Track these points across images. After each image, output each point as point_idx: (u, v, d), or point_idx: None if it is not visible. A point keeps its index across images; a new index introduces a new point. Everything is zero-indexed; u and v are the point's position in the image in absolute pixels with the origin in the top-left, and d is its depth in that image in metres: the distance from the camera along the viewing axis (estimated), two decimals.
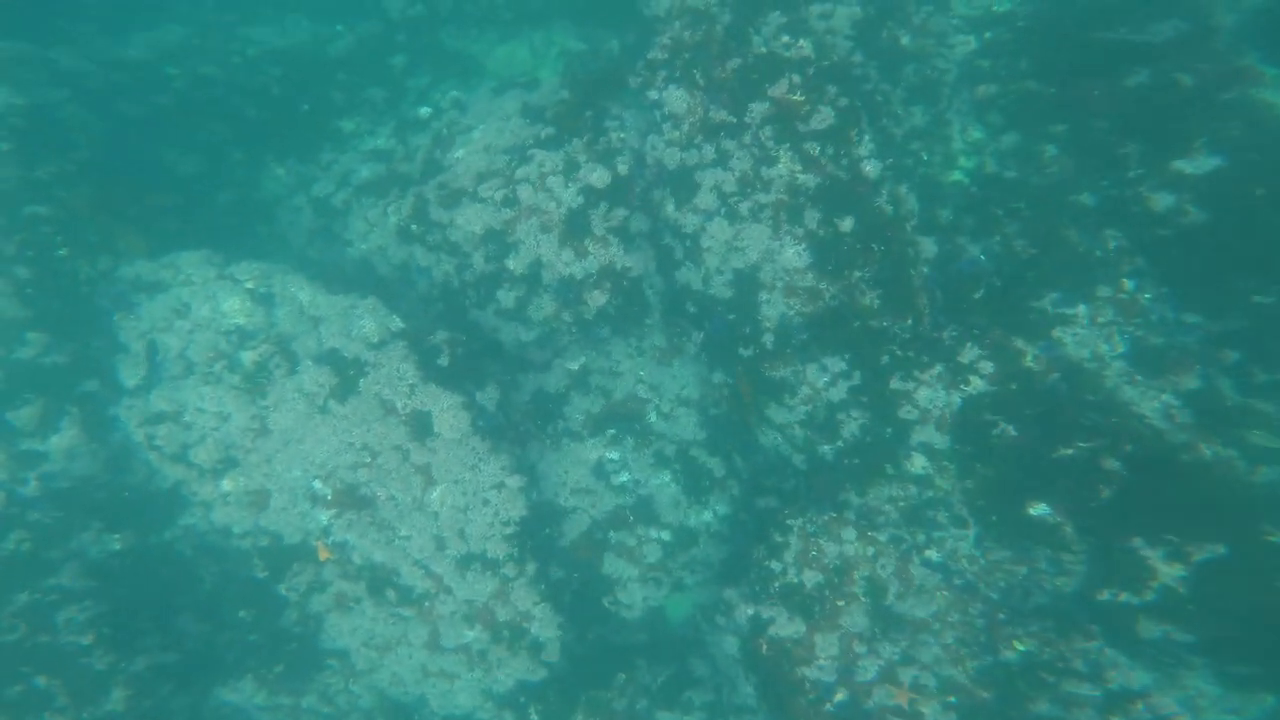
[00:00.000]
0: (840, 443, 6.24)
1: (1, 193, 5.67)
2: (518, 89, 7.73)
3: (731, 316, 6.41)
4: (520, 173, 6.34)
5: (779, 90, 6.06)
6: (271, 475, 5.06)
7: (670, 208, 6.46)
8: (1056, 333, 5.67)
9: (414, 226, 6.47)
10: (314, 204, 7.43)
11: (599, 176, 6.19)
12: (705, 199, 6.26)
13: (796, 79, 6.10)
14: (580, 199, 6.18)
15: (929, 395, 5.91)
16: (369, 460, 5.23)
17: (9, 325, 4.93)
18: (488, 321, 6.73)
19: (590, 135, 6.78)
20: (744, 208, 6.19)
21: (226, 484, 4.99)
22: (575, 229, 6.30)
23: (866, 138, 6.09)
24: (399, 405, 5.37)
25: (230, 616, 4.96)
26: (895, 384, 6.00)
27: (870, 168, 5.92)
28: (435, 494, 5.29)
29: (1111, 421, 5.09)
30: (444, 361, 5.78)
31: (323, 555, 5.00)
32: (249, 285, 5.79)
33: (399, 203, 6.44)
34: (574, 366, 6.98)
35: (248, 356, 5.33)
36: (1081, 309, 5.63)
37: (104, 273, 5.73)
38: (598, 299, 6.36)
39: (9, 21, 7.86)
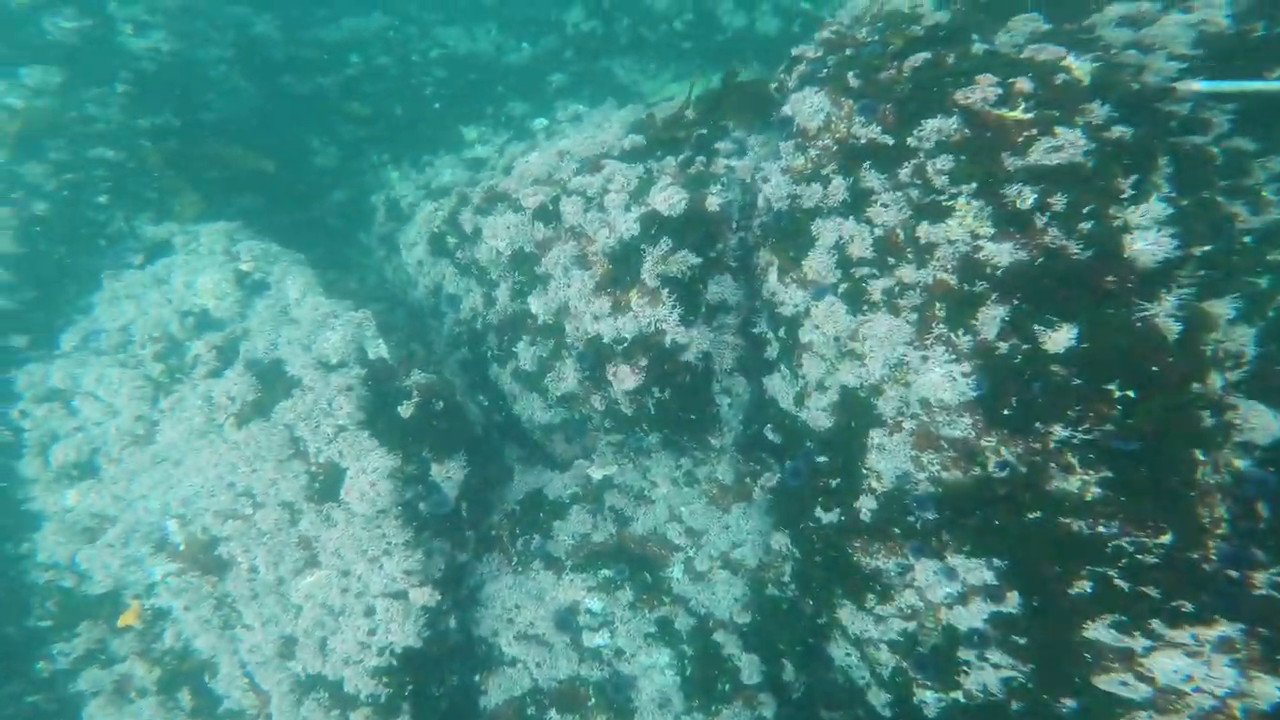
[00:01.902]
0: (960, 696, 3.48)
1: (86, 131, 5.60)
2: (643, 104, 6.23)
3: (822, 459, 4.01)
4: (575, 183, 4.72)
5: (978, 96, 3.66)
6: (124, 499, 3.96)
7: (773, 276, 4.31)
8: None
9: (449, 237, 5.18)
10: (388, 205, 6.65)
11: (670, 202, 4.30)
12: (818, 264, 4.02)
13: (1025, 85, 3.65)
14: (637, 227, 4.33)
15: (1173, 667, 3.00)
16: (246, 511, 3.85)
17: None
18: (505, 385, 5.14)
19: (690, 154, 4.94)
20: (876, 287, 3.84)
21: (72, 497, 4.00)
22: (620, 269, 4.46)
23: (1154, 198, 3.40)
24: (311, 450, 3.95)
25: None
26: (1097, 633, 3.16)
27: (1148, 250, 3.23)
28: (307, 581, 3.73)
29: None
30: (405, 411, 4.26)
31: (129, 619, 3.72)
32: (243, 268, 4.93)
33: (444, 205, 5.23)
34: (598, 475, 5.04)
35: (194, 346, 4.36)
36: None
37: (134, 229, 5.34)
38: (626, 379, 4.39)
39: None
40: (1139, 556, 3.13)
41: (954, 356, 3.51)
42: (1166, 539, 3.08)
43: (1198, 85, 3.34)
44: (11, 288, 4.55)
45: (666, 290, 4.34)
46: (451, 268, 5.23)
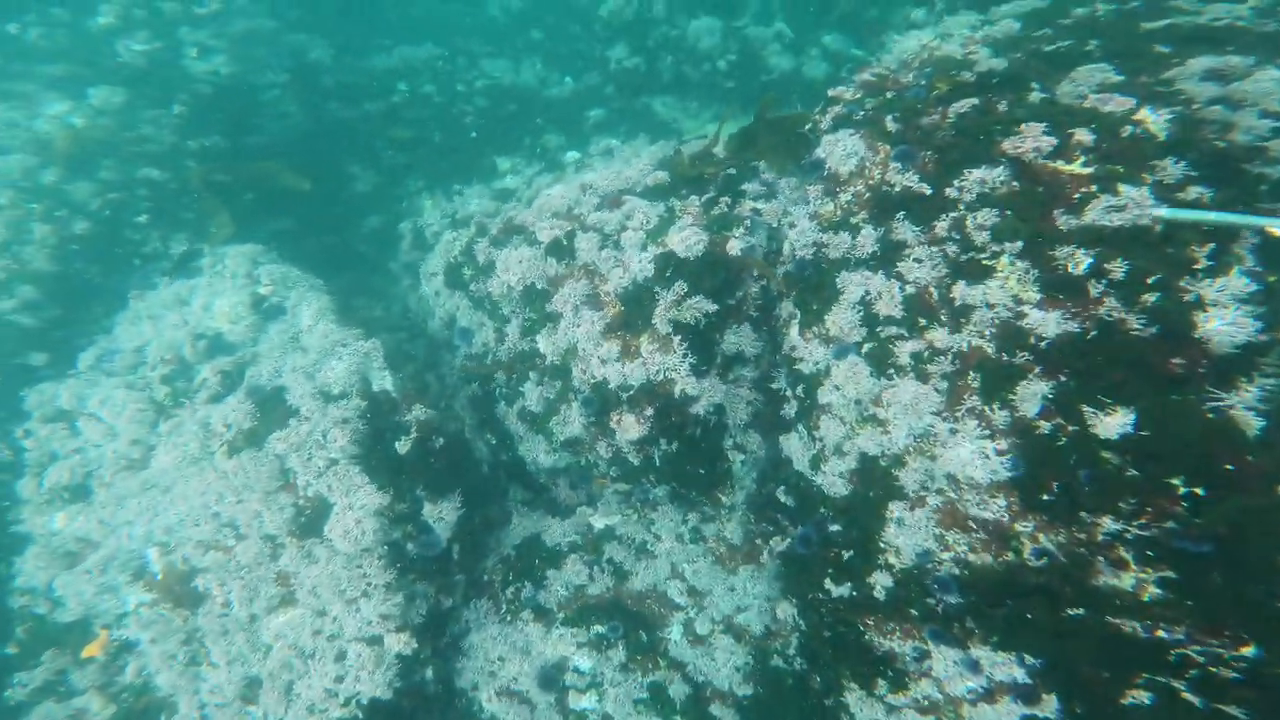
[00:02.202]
0: None
1: (139, 151, 5.78)
2: (676, 140, 6.09)
3: (836, 528, 3.68)
4: (593, 219, 4.56)
5: (1029, 146, 3.35)
6: (110, 525, 3.90)
7: (795, 329, 4.05)
8: None
9: (465, 269, 5.09)
10: (414, 233, 6.65)
11: (688, 243, 4.09)
12: (842, 320, 3.73)
13: (1085, 137, 3.34)
14: (651, 269, 4.13)
15: None
16: (229, 543, 3.74)
17: (17, 275, 4.74)
18: (511, 425, 4.96)
19: (714, 194, 4.74)
20: (904, 350, 3.53)
21: (60, 520, 3.97)
22: (633, 312, 4.24)
23: (1236, 272, 3.03)
24: (301, 482, 3.82)
25: None
26: None
27: (1225, 332, 2.86)
28: (279, 620, 3.57)
29: None
30: (402, 447, 4.12)
31: (93, 650, 3.61)
32: (262, 292, 4.94)
33: (461, 236, 5.15)
34: (600, 524, 4.79)
35: (203, 370, 4.34)
36: None
37: (167, 250, 5.44)
38: (630, 429, 4.15)
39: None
40: (1214, 669, 2.69)
41: (987, 432, 3.15)
42: (1249, 651, 2.64)
43: (1161, 212, 2.97)
44: (38, 305, 4.66)
45: (679, 338, 4.10)
46: (466, 300, 5.13)
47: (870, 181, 3.85)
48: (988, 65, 3.93)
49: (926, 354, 3.42)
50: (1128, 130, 3.25)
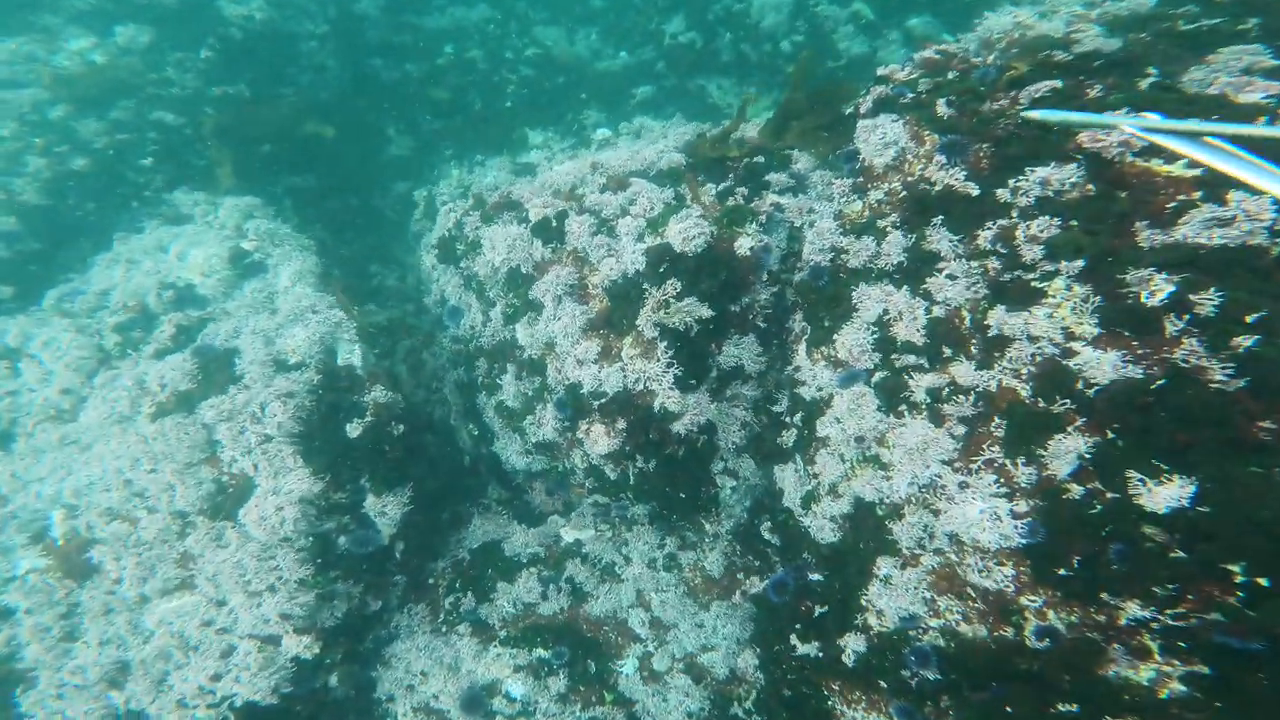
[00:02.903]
0: None
1: (158, 94, 5.65)
2: (712, 124, 5.49)
3: (816, 577, 3.12)
4: (592, 200, 4.06)
5: (1112, 139, 2.66)
6: (23, 479, 3.68)
7: (803, 347, 3.46)
8: None
9: (458, 244, 4.69)
10: (427, 202, 6.32)
11: (687, 235, 3.54)
12: (852, 341, 3.13)
13: None
14: (643, 261, 3.61)
15: None
16: (136, 515, 3.46)
17: (2, 205, 4.63)
18: (489, 418, 4.56)
19: (733, 183, 4.15)
20: (920, 383, 2.91)
21: None
22: (620, 309, 3.73)
23: None
24: (226, 456, 3.52)
25: None
26: None
27: None
28: (168, 606, 3.27)
29: None
30: (353, 431, 3.77)
31: None
32: (245, 246, 4.68)
33: (457, 208, 4.75)
34: (569, 537, 4.32)
35: (163, 322, 4.11)
36: None
37: (168, 196, 5.27)
38: (599, 441, 3.65)
39: None
40: None
41: (1004, 490, 2.52)
42: None
43: (1034, 114, 2.65)
44: (15, 237, 4.56)
45: (664, 344, 3.56)
46: (457, 277, 4.74)
47: (908, 177, 3.20)
48: (1094, 45, 3.19)
49: (946, 391, 2.79)
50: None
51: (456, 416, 5.16)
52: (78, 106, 5.26)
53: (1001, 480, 2.56)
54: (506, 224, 4.13)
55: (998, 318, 2.69)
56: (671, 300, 3.52)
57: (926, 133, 3.19)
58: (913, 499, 2.81)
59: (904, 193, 3.17)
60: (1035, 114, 2.67)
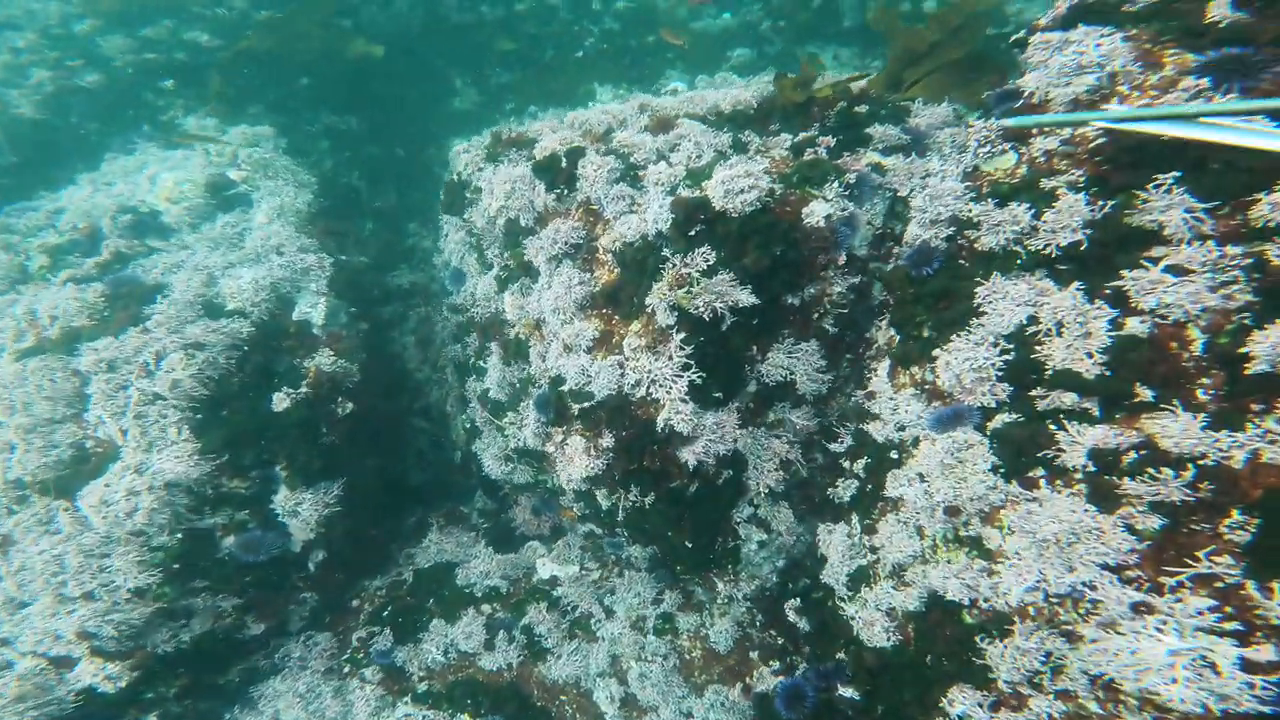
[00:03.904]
0: None
1: (201, 14, 5.19)
2: None
3: (849, 693, 1.95)
4: (620, 139, 3.06)
5: None
6: None
7: (884, 366, 2.29)
8: None
9: (467, 191, 3.82)
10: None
11: (732, 186, 2.46)
12: (965, 362, 1.91)
13: None
14: (668, 219, 2.55)
15: None
16: None
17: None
18: (473, 409, 3.66)
19: (816, 133, 3.01)
20: (1080, 443, 1.67)
21: None
22: (630, 281, 2.69)
23: None
24: (93, 416, 2.78)
25: None
26: None
27: None
28: None
29: None
30: (278, 404, 2.96)
31: None
32: (232, 175, 4.03)
33: (474, 147, 3.87)
34: (546, 572, 3.34)
35: (104, 246, 3.50)
36: None
37: (180, 121, 4.75)
38: (574, 460, 2.63)
39: None
40: None
41: (1231, 626, 1.28)
42: None
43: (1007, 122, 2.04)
44: None
45: (681, 335, 2.49)
46: (461, 232, 3.87)
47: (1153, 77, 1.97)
48: None
49: (1133, 456, 1.57)
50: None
51: (453, 402, 4.32)
52: (107, 21, 4.86)
53: (1227, 610, 1.33)
54: (512, 164, 3.19)
55: (1270, 345, 1.44)
56: (697, 276, 2.44)
57: (1169, 51, 1.94)
58: (1032, 611, 1.62)
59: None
60: (1010, 122, 2.15)
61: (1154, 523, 1.66)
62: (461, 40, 7.38)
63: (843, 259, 2.62)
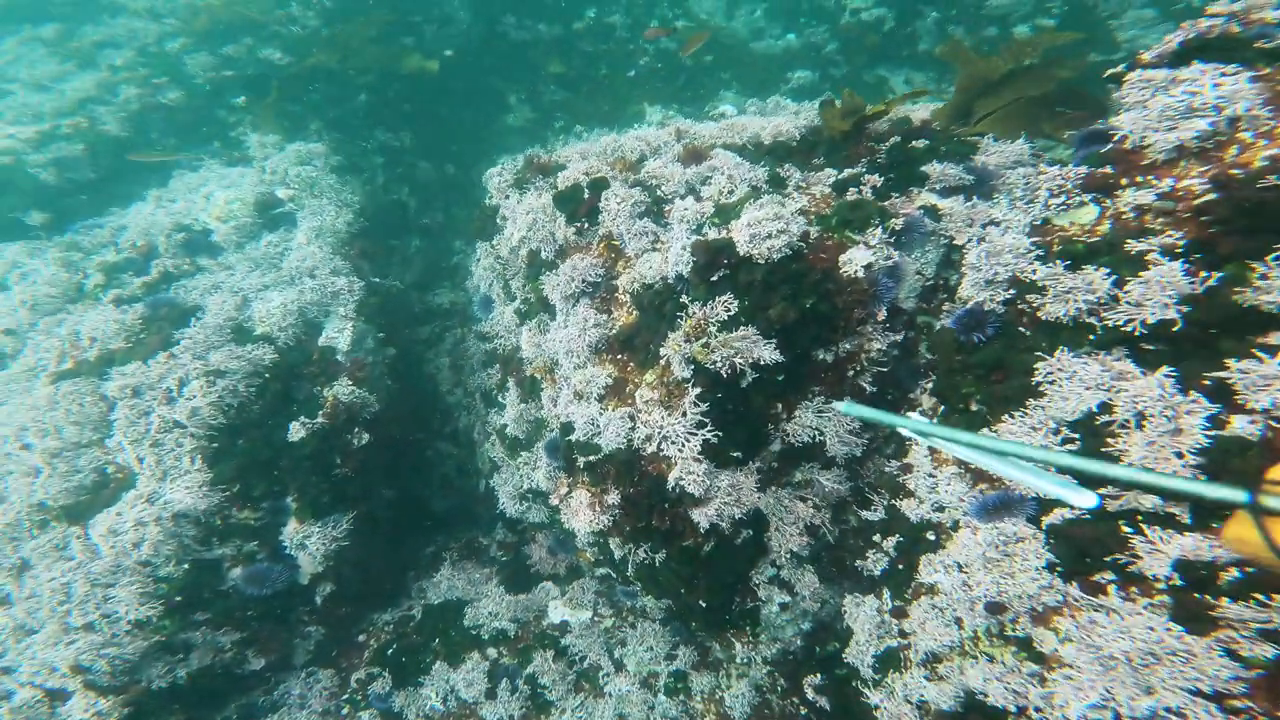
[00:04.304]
0: None
1: (277, 32, 5.38)
2: None
3: None
4: (650, 169, 2.90)
5: None
6: None
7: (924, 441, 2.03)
8: None
9: (499, 217, 3.74)
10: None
11: (758, 231, 2.25)
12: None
13: None
14: (688, 262, 2.36)
15: None
16: (6, 496, 2.86)
17: (80, 132, 4.40)
18: (491, 446, 3.57)
19: (863, 170, 2.76)
20: (1165, 551, 1.42)
21: None
22: (649, 325, 2.52)
23: None
24: (113, 442, 2.82)
25: None
26: None
27: None
28: None
29: None
30: (295, 433, 2.95)
31: None
32: (280, 194, 4.11)
33: (506, 171, 3.78)
34: (557, 616, 3.20)
35: (153, 265, 3.60)
36: None
37: (238, 139, 4.90)
38: (579, 513, 2.47)
39: None
40: None
41: None
42: None
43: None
44: (71, 165, 4.34)
45: (696, 390, 2.29)
46: (490, 258, 3.79)
47: (1230, 169, 1.66)
48: None
49: (1231, 574, 1.29)
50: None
51: (480, 430, 4.25)
52: (196, 40, 5.08)
53: None
54: (537, 192, 3.08)
55: None
56: (715, 330, 2.24)
57: None
58: None
59: (1209, 194, 1.63)
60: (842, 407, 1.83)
61: (1266, 651, 1.38)
62: (518, 58, 7.41)
63: (883, 313, 2.37)
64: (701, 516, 2.37)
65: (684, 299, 2.38)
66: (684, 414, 2.30)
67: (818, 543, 2.56)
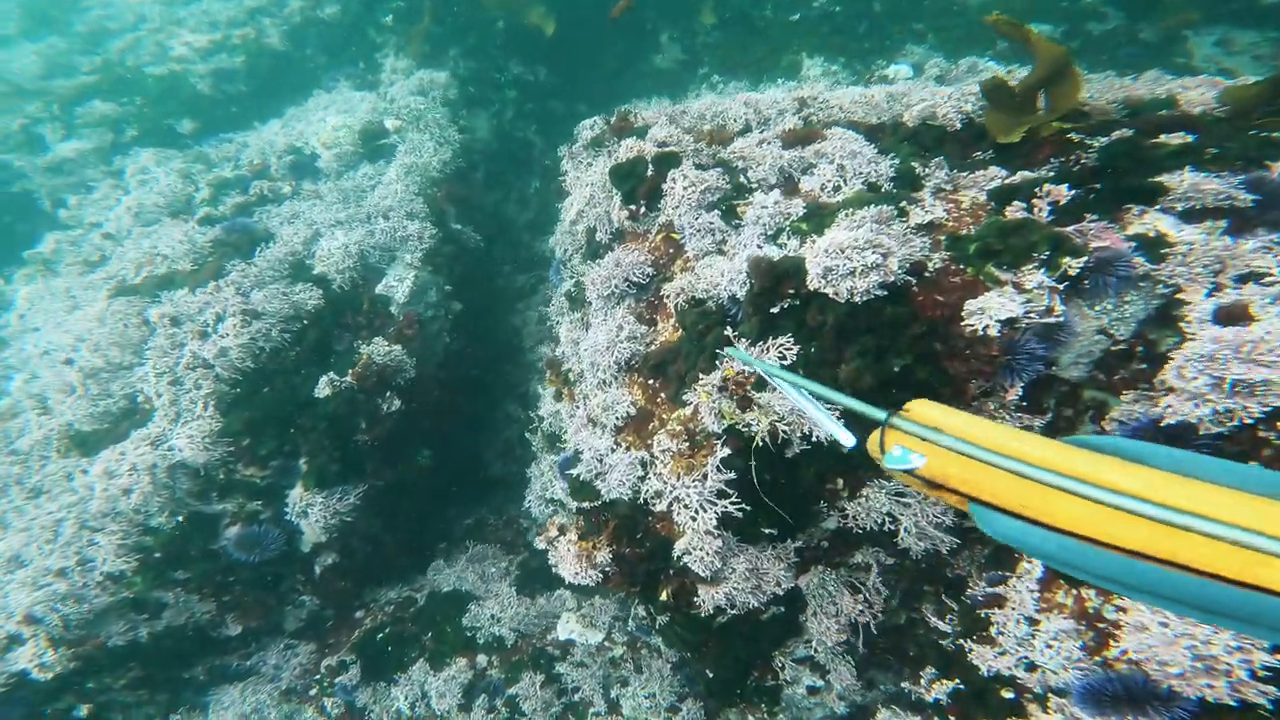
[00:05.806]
0: None
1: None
2: None
3: None
4: (738, 147, 2.27)
5: None
6: (28, 322, 3.37)
7: (1031, 573, 1.35)
8: None
9: (570, 179, 3.27)
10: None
11: (838, 259, 1.58)
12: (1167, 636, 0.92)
13: None
14: (743, 285, 1.76)
15: None
16: (37, 410, 2.94)
17: (245, 43, 4.44)
18: (529, 437, 3.22)
19: (1041, 175, 1.91)
20: None
21: (22, 295, 3.55)
22: (690, 352, 1.96)
23: None
24: (139, 372, 2.80)
25: None
26: None
27: None
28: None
29: None
30: (321, 389, 2.79)
31: None
32: (387, 125, 3.94)
33: (597, 125, 3.26)
34: (564, 632, 2.83)
35: (253, 186, 3.60)
36: None
37: (379, 61, 4.79)
38: (566, 561, 2.02)
39: None
40: None
41: None
42: None
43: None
44: (228, 77, 4.44)
45: (725, 452, 1.73)
46: (566, 221, 3.36)
47: None
48: None
49: None
50: None
51: (536, 407, 3.95)
52: None
53: None
54: (608, 159, 2.56)
55: None
56: (756, 393, 1.64)
57: None
58: None
59: None
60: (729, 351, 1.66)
61: None
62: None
63: (1017, 390, 1.62)
64: (708, 597, 1.84)
65: (729, 329, 1.79)
66: (704, 477, 1.75)
67: (858, 638, 1.94)
